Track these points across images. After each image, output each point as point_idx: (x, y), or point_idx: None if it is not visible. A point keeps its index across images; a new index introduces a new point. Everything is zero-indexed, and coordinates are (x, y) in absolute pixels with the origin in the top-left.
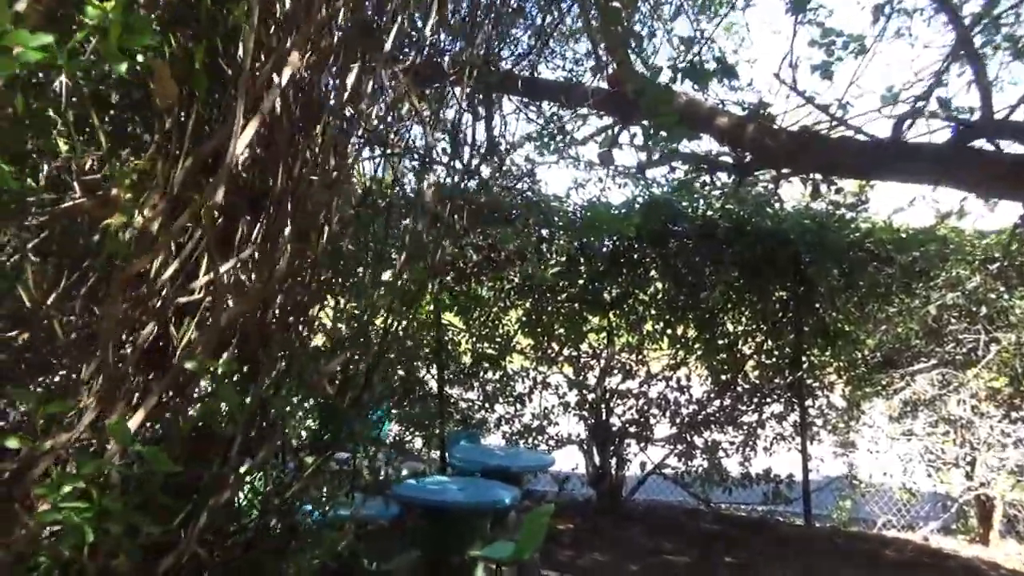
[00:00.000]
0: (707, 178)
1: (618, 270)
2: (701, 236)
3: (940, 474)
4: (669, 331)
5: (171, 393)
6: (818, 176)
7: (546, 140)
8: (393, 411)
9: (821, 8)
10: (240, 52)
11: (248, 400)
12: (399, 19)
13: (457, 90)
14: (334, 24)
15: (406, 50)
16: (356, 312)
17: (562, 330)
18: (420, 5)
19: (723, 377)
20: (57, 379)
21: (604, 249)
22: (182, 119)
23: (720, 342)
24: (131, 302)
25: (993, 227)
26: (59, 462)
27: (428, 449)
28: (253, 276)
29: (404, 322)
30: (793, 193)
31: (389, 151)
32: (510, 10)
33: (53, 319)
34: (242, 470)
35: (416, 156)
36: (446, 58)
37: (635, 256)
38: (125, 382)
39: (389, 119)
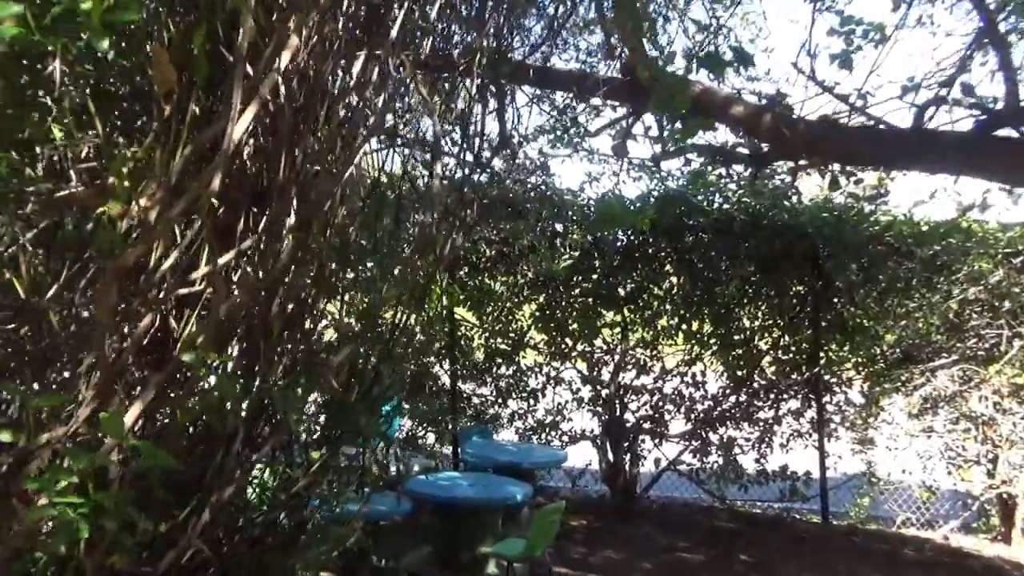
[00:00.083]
0: (723, 171)
1: (632, 265)
2: (717, 230)
3: (961, 471)
4: (684, 326)
5: (171, 387)
6: (836, 167)
7: (559, 133)
8: (405, 406)
9: None
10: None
11: (249, 394)
12: (406, 4)
13: (467, 80)
14: (339, 10)
15: (416, 36)
16: (365, 305)
17: (576, 325)
18: None
19: (739, 373)
20: (57, 373)
21: (618, 243)
22: (182, 106)
23: (736, 337)
24: (128, 293)
25: (1016, 220)
26: (57, 457)
27: (441, 445)
28: (254, 268)
29: (414, 316)
30: (811, 186)
31: (398, 141)
32: None
33: (49, 311)
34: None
35: (426, 147)
36: (456, 49)
37: (650, 250)
38: (123, 375)
39: (397, 108)
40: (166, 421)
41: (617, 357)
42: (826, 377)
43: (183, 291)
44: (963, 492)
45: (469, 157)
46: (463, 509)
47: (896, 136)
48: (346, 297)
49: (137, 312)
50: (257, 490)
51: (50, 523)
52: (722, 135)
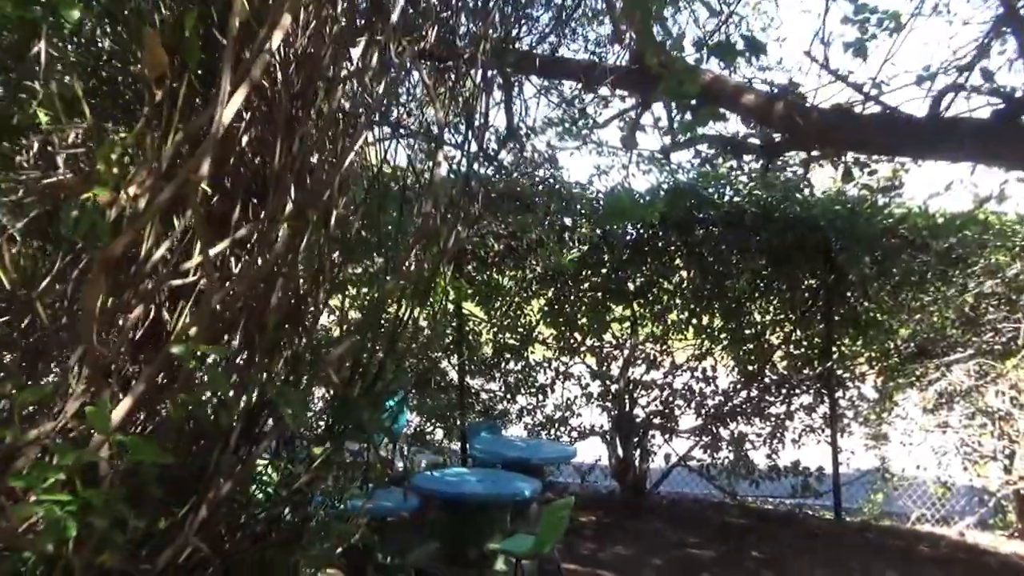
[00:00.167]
0: (734, 162)
1: (642, 258)
2: (727, 223)
3: (977, 467)
4: (694, 321)
5: (165, 380)
6: (850, 158)
7: (568, 125)
8: (413, 402)
9: None
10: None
11: (244, 388)
12: None
13: (472, 70)
14: None
15: (418, 22)
16: (367, 298)
17: (585, 320)
18: None
19: (750, 368)
20: (47, 367)
21: (628, 237)
22: (173, 91)
23: (747, 332)
24: (119, 284)
25: None
26: (46, 453)
27: (449, 441)
28: (249, 257)
29: (418, 309)
30: (823, 178)
31: (400, 131)
32: None
33: (36, 303)
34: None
35: (429, 137)
36: (462, 38)
37: (659, 244)
38: (113, 369)
39: (400, 96)
40: (164, 416)
41: (627, 352)
42: (839, 372)
43: (176, 282)
44: (979, 488)
45: (474, 148)
46: (471, 505)
47: (911, 124)
48: (349, 290)
49: (128, 304)
50: (258, 487)
51: (39, 521)
52: (733, 126)
